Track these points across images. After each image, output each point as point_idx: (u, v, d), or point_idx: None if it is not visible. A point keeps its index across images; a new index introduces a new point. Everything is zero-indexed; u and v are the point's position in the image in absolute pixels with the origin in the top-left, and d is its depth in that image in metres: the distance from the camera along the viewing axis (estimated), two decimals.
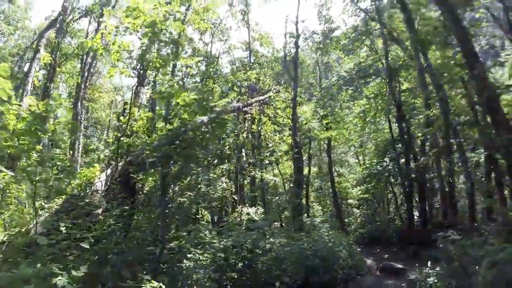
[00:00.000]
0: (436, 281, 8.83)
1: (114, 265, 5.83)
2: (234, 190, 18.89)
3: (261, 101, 20.52)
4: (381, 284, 12.49)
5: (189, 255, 8.19)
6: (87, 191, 10.26)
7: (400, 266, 14.74)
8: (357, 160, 35.08)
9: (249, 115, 19.84)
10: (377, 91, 25.46)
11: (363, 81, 25.73)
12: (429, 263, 10.66)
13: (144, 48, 9.53)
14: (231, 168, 18.31)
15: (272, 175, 25.47)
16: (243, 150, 18.29)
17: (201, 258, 8.72)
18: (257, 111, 20.23)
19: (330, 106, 24.57)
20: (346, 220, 27.13)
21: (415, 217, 22.53)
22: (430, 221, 21.89)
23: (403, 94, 24.14)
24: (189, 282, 6.99)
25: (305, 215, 27.65)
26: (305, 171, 29.24)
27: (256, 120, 20.31)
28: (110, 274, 5.76)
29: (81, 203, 8.35)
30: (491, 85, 11.11)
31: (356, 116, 26.70)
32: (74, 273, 5.10)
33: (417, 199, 23.15)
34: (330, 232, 15.79)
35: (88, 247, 5.46)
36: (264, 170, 21.47)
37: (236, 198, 18.01)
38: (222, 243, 9.38)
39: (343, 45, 24.54)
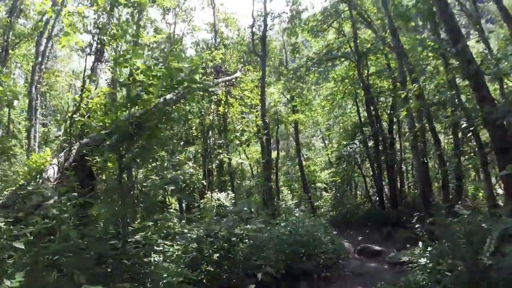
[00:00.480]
0: (429, 262, 7.88)
1: (63, 269, 4.45)
2: (202, 175, 17.56)
3: (228, 82, 19.18)
4: (370, 268, 11.61)
5: (157, 248, 6.88)
6: (37, 179, 8.74)
7: (378, 248, 14.00)
8: (323, 144, 34.35)
9: (215, 96, 18.47)
10: (344, 74, 24.56)
11: (330, 63, 24.83)
12: (420, 243, 9.74)
13: (100, 12, 7.96)
14: (198, 151, 16.93)
15: (240, 159, 24.21)
16: (210, 133, 16.96)
17: (170, 251, 7.44)
18: (223, 93, 18.88)
19: (297, 88, 23.46)
20: (316, 204, 26.35)
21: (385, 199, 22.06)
22: (401, 203, 21.44)
23: (371, 77, 23.43)
24: (157, 279, 5.68)
25: (276, 199, 26.90)
26: (273, 155, 28.27)
27: (222, 102, 18.95)
28: (57, 280, 4.37)
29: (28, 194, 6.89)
30: (474, 60, 10.29)
31: (323, 99, 25.79)
32: (7, 283, 3.76)
33: (386, 181, 22.70)
34: (306, 216, 14.85)
35: (22, 247, 4.04)
36: (232, 154, 20.15)
37: (205, 184, 16.68)
38: (195, 232, 8.11)
39: (311, 27, 23.40)
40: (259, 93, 18.51)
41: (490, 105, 9.45)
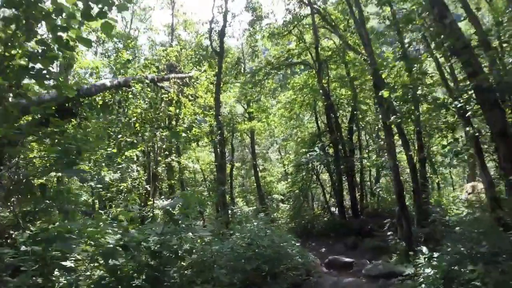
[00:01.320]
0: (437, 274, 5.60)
1: None
2: (146, 179, 14.63)
3: (181, 80, 16.54)
4: (348, 285, 9.19)
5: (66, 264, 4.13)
6: None
7: (347, 259, 11.67)
8: (279, 156, 32.15)
9: (167, 95, 15.74)
10: (303, 83, 22.60)
11: (290, 71, 22.91)
12: (424, 249, 7.46)
13: None
14: (142, 151, 14.03)
15: (191, 163, 21.27)
16: (157, 133, 14.15)
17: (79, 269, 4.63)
18: (175, 91, 16.17)
19: (254, 93, 21.19)
20: (272, 216, 23.89)
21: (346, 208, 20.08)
22: (362, 212, 19.44)
23: (331, 84, 21.69)
24: None
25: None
26: (228, 165, 25.73)
27: (174, 102, 16.23)
28: None
29: None
30: (463, 34, 8.37)
31: (281, 107, 23.63)
32: None
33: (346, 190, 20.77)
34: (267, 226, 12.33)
35: None
36: (184, 159, 17.35)
37: (149, 189, 13.75)
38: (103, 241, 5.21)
39: (271, 33, 21.34)
40: (214, 91, 15.94)
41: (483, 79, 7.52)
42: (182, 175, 17.46)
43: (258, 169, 27.62)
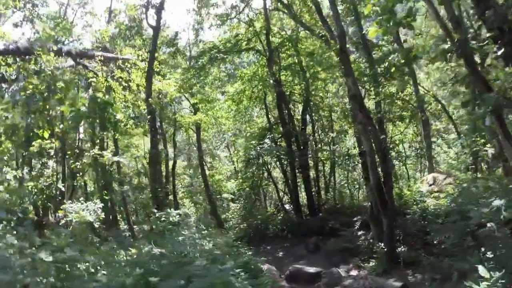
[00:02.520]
0: None
1: None
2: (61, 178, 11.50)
3: (113, 62, 13.60)
4: None
5: None
6: None
7: (313, 270, 9.26)
8: (228, 153, 29.52)
9: (93, 78, 12.72)
10: (253, 74, 20.22)
11: (238, 58, 20.46)
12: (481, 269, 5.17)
13: None
14: (55, 145, 10.81)
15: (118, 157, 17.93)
16: (81, 126, 11.17)
17: None
18: (104, 74, 13.16)
19: (199, 80, 18.43)
20: (223, 216, 21.34)
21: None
22: (320, 209, 17.40)
23: (283, 73, 19.52)
24: None
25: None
26: (171, 163, 22.77)
27: (102, 86, 13.17)
28: None
29: None
30: None
31: (228, 98, 21.08)
32: None
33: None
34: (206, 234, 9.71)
35: None
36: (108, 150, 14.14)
37: (63, 189, 10.67)
38: None
39: (219, 17, 18.70)
40: (147, 68, 13.06)
41: None
42: (109, 171, 14.29)
43: (205, 166, 24.92)
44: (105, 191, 14.00)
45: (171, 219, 7.34)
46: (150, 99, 12.50)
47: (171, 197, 20.87)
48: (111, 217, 20.31)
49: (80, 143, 14.01)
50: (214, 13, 18.65)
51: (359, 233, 11.00)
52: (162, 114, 21.25)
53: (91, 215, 9.56)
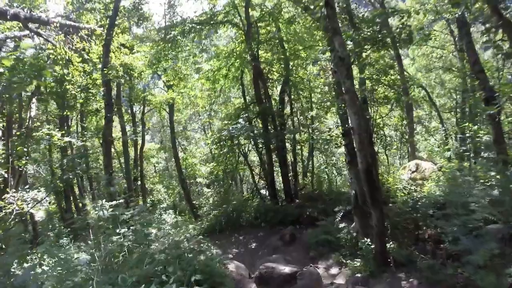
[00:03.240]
0: None
1: None
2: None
3: (73, 31, 11.70)
4: None
5: None
6: None
7: (288, 269, 7.80)
8: (203, 135, 27.73)
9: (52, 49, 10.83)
10: (230, 51, 18.41)
11: (215, 32, 18.54)
12: None
13: None
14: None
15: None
16: (33, 103, 9.31)
17: None
18: (62, 47, 11.22)
19: (169, 54, 16.49)
20: (196, 203, 19.80)
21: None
22: (297, 195, 16.05)
23: (262, 50, 17.88)
24: None
25: (142, 200, 19.45)
26: (146, 145, 20.93)
27: (59, 58, 11.24)
28: None
29: None
30: None
31: (203, 76, 19.26)
32: None
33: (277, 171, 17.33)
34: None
35: None
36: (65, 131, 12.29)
37: (10, 178, 8.86)
38: None
39: None
40: (104, 36, 11.14)
41: None
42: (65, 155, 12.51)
43: (179, 149, 23.23)
44: (58, 178, 12.22)
45: (101, 213, 5.69)
46: (105, 70, 10.59)
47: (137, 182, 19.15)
48: (74, 207, 18.59)
49: (29, 123, 12.08)
50: None
51: (341, 225, 9.64)
52: (131, 93, 19.35)
53: (30, 205, 7.83)
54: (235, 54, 18.32)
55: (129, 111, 20.45)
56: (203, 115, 24.87)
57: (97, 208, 5.84)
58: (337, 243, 9.23)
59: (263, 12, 17.41)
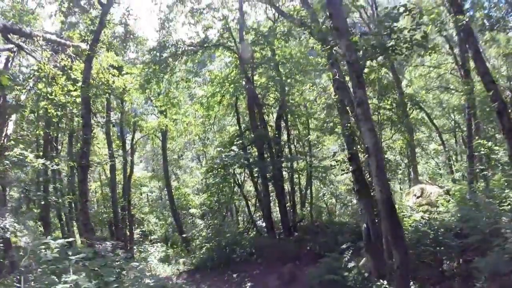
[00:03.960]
0: None
1: None
2: None
3: (60, 47, 10.77)
4: None
5: None
6: None
7: None
8: (198, 164, 26.40)
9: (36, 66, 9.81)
10: (224, 77, 17.45)
11: (209, 58, 17.67)
12: None
13: None
14: None
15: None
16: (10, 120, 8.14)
17: None
18: (45, 63, 10.20)
19: (159, 77, 15.41)
20: (189, 235, 18.20)
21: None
22: (296, 227, 14.61)
23: (257, 76, 16.98)
24: None
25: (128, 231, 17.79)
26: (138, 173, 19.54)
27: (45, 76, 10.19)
28: None
29: None
30: None
31: (196, 102, 18.20)
32: None
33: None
34: None
35: None
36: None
37: None
38: None
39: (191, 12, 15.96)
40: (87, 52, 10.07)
41: None
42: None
43: (172, 178, 21.84)
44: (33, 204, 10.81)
45: (47, 253, 4.35)
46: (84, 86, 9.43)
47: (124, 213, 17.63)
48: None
49: (5, 141, 10.78)
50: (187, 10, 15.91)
51: (350, 264, 8.19)
52: (122, 118, 18.21)
53: None
54: (229, 79, 17.36)
55: (118, 133, 19.27)
56: (197, 143, 23.58)
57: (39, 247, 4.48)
58: (344, 284, 7.78)
59: (258, 35, 16.56)
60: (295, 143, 18.38)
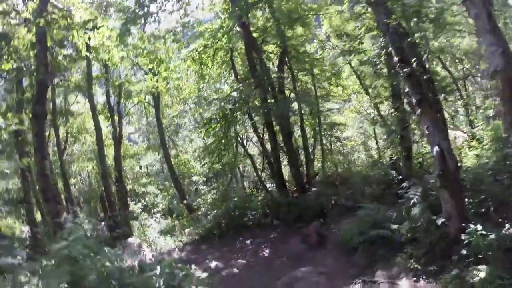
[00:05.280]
0: None
1: None
2: None
3: None
4: None
5: None
6: None
7: None
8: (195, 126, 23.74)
9: None
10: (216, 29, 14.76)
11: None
12: None
13: None
14: None
15: None
16: None
17: None
18: None
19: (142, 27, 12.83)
20: (194, 204, 16.15)
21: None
22: (310, 183, 12.37)
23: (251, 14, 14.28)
24: None
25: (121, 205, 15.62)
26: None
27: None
28: None
29: None
30: None
31: (189, 56, 15.57)
32: None
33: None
34: None
35: None
36: None
37: None
38: None
39: None
40: None
41: None
42: None
43: (168, 145, 19.47)
44: None
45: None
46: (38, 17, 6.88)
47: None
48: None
49: None
50: None
51: (414, 210, 5.84)
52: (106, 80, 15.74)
53: None
54: (221, 30, 14.71)
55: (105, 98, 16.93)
56: (192, 107, 20.98)
57: None
58: (398, 240, 5.62)
59: None
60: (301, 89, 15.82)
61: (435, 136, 4.74)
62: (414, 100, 4.98)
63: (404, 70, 5.62)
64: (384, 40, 7.50)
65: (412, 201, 5.35)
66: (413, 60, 5.96)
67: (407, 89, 6.31)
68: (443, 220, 4.73)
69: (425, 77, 6.02)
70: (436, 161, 4.78)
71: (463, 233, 4.27)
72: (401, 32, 6.05)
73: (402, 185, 6.43)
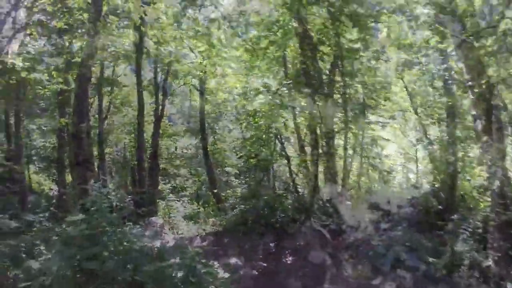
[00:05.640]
0: None
1: None
2: None
3: None
4: None
5: None
6: None
7: None
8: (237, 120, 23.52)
9: None
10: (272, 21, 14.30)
11: None
12: None
13: None
14: None
15: None
16: None
17: None
18: None
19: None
20: (223, 194, 15.96)
21: None
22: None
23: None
24: None
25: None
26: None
27: None
28: None
29: None
30: None
31: (243, 45, 15.22)
32: None
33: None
34: None
35: None
36: None
37: None
38: None
39: None
40: None
41: None
42: None
43: (207, 133, 19.35)
44: None
45: None
46: None
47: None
48: None
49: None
50: None
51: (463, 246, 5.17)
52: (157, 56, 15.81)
53: None
54: (278, 24, 14.21)
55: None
56: (236, 96, 20.70)
57: None
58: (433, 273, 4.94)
59: None
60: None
61: (495, 173, 4.05)
62: (480, 125, 4.31)
63: (475, 90, 4.99)
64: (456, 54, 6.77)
65: (461, 236, 4.67)
66: (483, 81, 5.31)
67: (473, 112, 5.67)
68: (489, 263, 4.04)
69: (492, 102, 5.34)
70: (492, 199, 4.10)
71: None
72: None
73: (445, 216, 5.81)
